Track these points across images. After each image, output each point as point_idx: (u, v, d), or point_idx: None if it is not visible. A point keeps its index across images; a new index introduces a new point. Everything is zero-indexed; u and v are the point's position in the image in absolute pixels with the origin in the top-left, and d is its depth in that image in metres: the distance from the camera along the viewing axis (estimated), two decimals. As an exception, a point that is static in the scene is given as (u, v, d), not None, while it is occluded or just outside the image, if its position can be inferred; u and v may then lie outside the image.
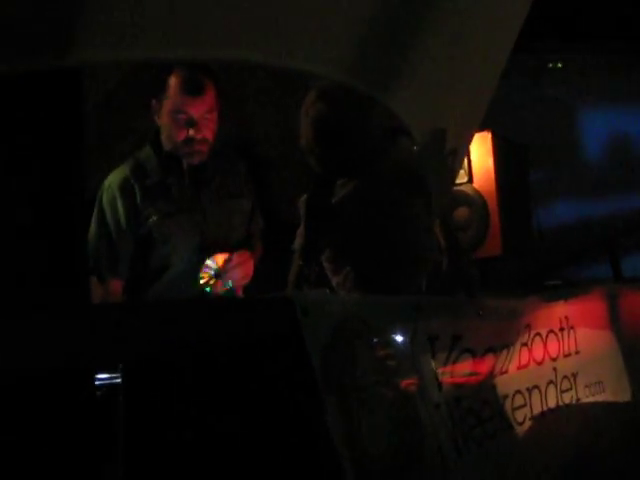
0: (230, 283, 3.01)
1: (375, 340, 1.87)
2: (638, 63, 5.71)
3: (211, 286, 2.99)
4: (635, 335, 2.91)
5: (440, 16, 2.42)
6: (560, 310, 2.57)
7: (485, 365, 2.18)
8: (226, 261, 2.99)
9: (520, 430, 2.24)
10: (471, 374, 2.13)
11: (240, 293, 3.09)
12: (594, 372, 2.65)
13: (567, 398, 2.48)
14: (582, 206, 5.73)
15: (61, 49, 1.74)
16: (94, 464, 1.79)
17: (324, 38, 2.19)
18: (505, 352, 2.26)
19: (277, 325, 1.71)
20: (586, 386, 2.58)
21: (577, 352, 2.59)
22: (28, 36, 1.70)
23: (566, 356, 2.54)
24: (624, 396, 2.76)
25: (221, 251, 3.03)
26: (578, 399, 2.53)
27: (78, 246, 2.02)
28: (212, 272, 2.99)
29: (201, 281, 2.99)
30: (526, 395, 2.31)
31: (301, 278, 2.46)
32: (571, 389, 2.51)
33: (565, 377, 2.50)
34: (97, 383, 1.88)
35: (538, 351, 2.42)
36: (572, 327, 2.59)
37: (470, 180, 3.91)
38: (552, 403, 2.41)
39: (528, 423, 2.27)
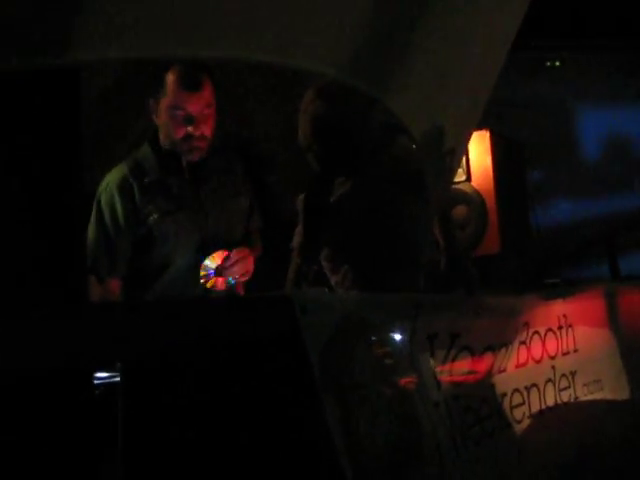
0: (231, 280, 3.00)
1: (374, 338, 1.87)
2: (636, 61, 5.71)
3: (212, 284, 2.99)
4: (633, 333, 2.92)
5: (439, 15, 2.42)
6: (558, 308, 2.57)
7: (484, 363, 2.18)
8: (225, 258, 2.99)
9: (518, 428, 2.24)
10: (470, 372, 2.13)
11: (241, 290, 3.09)
12: (592, 370, 2.66)
13: (565, 396, 2.49)
14: (580, 205, 5.73)
15: (60, 47, 1.74)
16: (93, 463, 1.79)
17: (323, 37, 2.19)
18: (504, 350, 2.26)
19: (276, 323, 1.71)
20: (584, 384, 2.59)
21: (575, 350, 2.60)
22: (27, 35, 1.70)
23: (564, 354, 2.54)
24: (622, 394, 2.76)
25: (220, 249, 3.03)
26: (576, 397, 2.53)
27: (76, 246, 2.02)
28: (212, 270, 2.99)
29: (201, 280, 2.99)
30: (524, 393, 2.31)
31: (300, 277, 2.46)
32: (569, 387, 2.51)
33: (563, 375, 2.50)
34: (96, 382, 1.88)
35: (537, 349, 2.42)
36: (570, 325, 2.59)
37: (468, 179, 3.92)
38: (550, 401, 2.41)
39: (526, 421, 2.27)
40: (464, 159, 3.78)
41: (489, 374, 2.20)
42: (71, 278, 1.93)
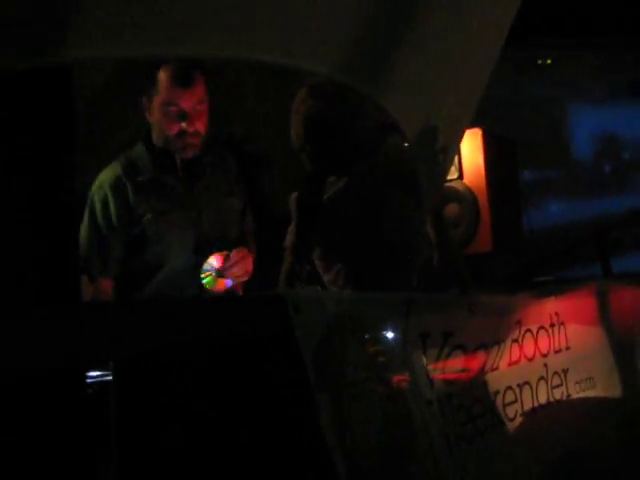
0: (231, 281, 3.00)
1: (367, 337, 1.88)
2: (628, 59, 5.73)
3: (213, 285, 2.98)
4: (625, 331, 2.93)
5: (431, 14, 2.42)
6: (550, 306, 2.58)
7: (476, 361, 2.18)
8: (224, 259, 2.98)
9: (511, 426, 2.25)
10: (462, 370, 2.14)
11: (240, 290, 3.08)
12: (584, 368, 2.66)
13: (558, 394, 2.49)
14: (572, 202, 5.75)
15: (57, 46, 1.74)
16: (86, 461, 1.78)
17: (317, 36, 2.19)
18: (496, 349, 2.26)
19: (269, 322, 1.71)
20: (577, 382, 2.59)
21: (567, 348, 2.60)
22: (25, 33, 1.70)
23: (557, 352, 2.55)
24: (614, 392, 2.77)
25: (217, 250, 3.02)
26: (569, 395, 2.54)
27: (72, 245, 2.02)
28: (213, 273, 2.97)
29: (203, 281, 2.98)
30: (517, 391, 2.32)
31: (293, 276, 2.46)
32: (562, 385, 2.52)
33: (556, 373, 2.51)
34: (88, 381, 1.88)
35: (529, 347, 2.42)
36: (562, 323, 2.60)
37: (460, 176, 3.93)
38: (543, 399, 2.42)
39: (519, 419, 2.28)
40: (456, 157, 3.79)
41: (482, 372, 2.21)
42: (67, 278, 1.93)
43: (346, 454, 1.67)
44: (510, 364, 2.33)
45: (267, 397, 1.68)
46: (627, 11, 5.13)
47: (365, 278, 2.49)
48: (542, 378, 2.45)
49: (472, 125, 3.45)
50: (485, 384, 2.21)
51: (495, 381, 2.24)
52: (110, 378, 1.72)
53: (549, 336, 2.53)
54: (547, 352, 2.50)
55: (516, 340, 2.37)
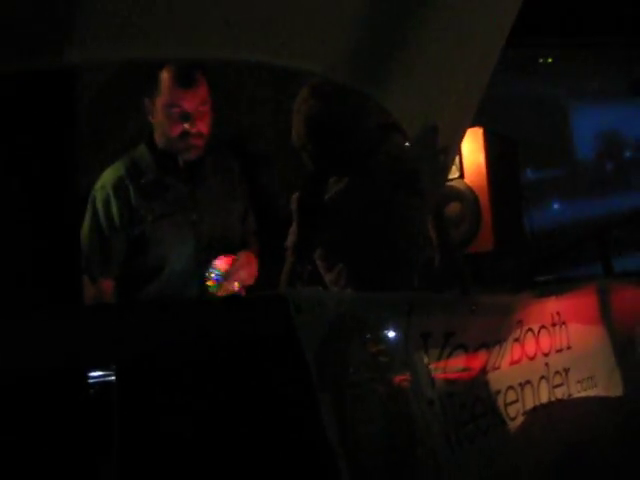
0: (237, 284, 2.99)
1: (368, 337, 1.88)
2: (629, 58, 5.72)
3: (217, 289, 2.97)
4: (626, 330, 2.93)
5: (433, 13, 2.42)
6: (552, 306, 2.57)
7: (478, 361, 2.18)
8: (232, 263, 2.98)
9: (512, 426, 2.25)
10: (464, 370, 2.14)
11: (242, 291, 3.08)
12: (586, 367, 2.66)
13: (559, 393, 2.49)
14: (573, 202, 5.75)
15: (59, 48, 1.74)
16: (88, 462, 1.79)
17: (317, 36, 2.19)
18: (498, 348, 2.26)
19: (271, 323, 1.71)
20: (578, 381, 2.59)
21: (569, 347, 2.60)
22: (26, 35, 1.70)
23: (558, 351, 2.55)
24: (616, 391, 2.77)
25: (222, 253, 3.02)
26: (570, 394, 2.54)
27: (74, 246, 2.02)
28: (219, 276, 2.97)
29: (208, 283, 2.98)
30: (518, 391, 2.32)
31: (294, 276, 2.46)
32: (563, 384, 2.52)
33: (557, 372, 2.51)
34: (90, 381, 1.88)
35: (530, 347, 2.42)
36: (564, 322, 2.60)
37: (462, 175, 3.92)
38: (544, 398, 2.42)
39: (520, 418, 2.28)
40: (457, 156, 3.79)
41: (483, 372, 2.21)
42: (69, 278, 1.93)
43: (348, 454, 1.67)
44: (511, 363, 2.33)
45: (269, 397, 1.68)
46: (629, 10, 5.13)
47: (367, 278, 2.50)
48: (543, 377, 2.45)
49: (473, 124, 3.45)
50: (487, 384, 2.21)
51: (496, 380, 2.24)
52: (112, 378, 1.72)
53: (550, 335, 2.53)
54: (548, 351, 2.50)
55: (517, 339, 2.37)
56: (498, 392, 2.23)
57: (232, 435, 1.69)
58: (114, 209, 3.01)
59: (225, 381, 1.71)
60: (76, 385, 1.80)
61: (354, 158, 2.56)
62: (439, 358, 2.04)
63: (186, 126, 2.97)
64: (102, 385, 1.88)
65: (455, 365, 2.10)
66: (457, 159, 3.82)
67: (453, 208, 3.85)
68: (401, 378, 1.91)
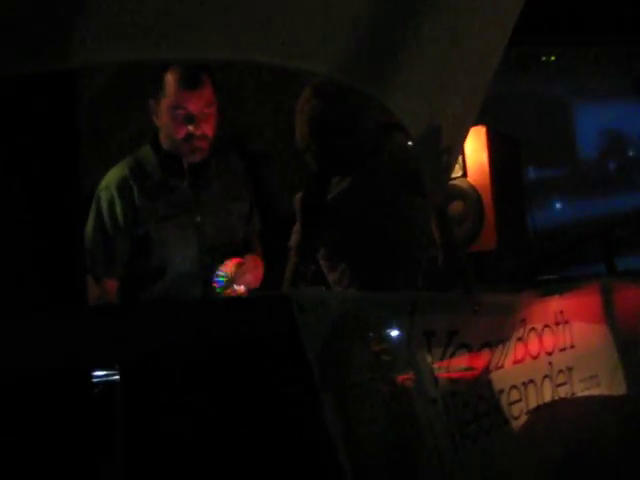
0: (242, 288, 2.99)
1: (371, 336, 1.88)
2: (632, 56, 5.71)
3: (224, 292, 2.97)
4: (629, 329, 2.92)
5: (435, 12, 2.41)
6: (555, 305, 2.57)
7: (481, 360, 2.18)
8: (237, 266, 2.97)
9: (516, 425, 2.25)
10: (467, 369, 2.14)
11: (245, 291, 3.08)
12: (589, 366, 2.66)
13: (562, 392, 2.49)
14: (576, 200, 5.74)
15: (60, 51, 1.74)
16: (91, 461, 1.79)
17: (319, 36, 2.18)
18: (501, 347, 2.27)
19: (274, 323, 1.71)
20: (581, 380, 2.60)
21: (572, 346, 2.60)
22: (28, 39, 1.70)
23: (561, 350, 2.55)
24: (619, 390, 2.77)
25: (226, 255, 3.01)
26: (573, 393, 2.54)
27: (76, 246, 2.02)
28: (223, 281, 2.97)
29: (215, 287, 2.97)
30: (522, 390, 2.32)
31: (297, 275, 2.47)
32: (566, 383, 2.52)
33: (560, 371, 2.51)
34: (94, 380, 1.88)
35: (534, 346, 2.43)
36: (567, 321, 2.60)
37: (464, 174, 3.92)
38: (548, 397, 2.42)
39: (524, 417, 2.28)
40: (460, 155, 3.78)
41: (487, 371, 2.21)
42: (73, 278, 1.93)
43: (351, 453, 1.68)
44: (515, 362, 2.33)
45: (272, 397, 1.69)
46: (631, 7, 5.12)
47: (369, 278, 2.50)
48: (547, 376, 2.45)
49: (476, 123, 3.45)
50: (490, 383, 2.21)
51: (500, 380, 2.24)
52: (116, 377, 1.73)
53: (554, 334, 2.53)
54: (552, 350, 2.50)
55: (521, 338, 2.37)
56: (501, 391, 2.24)
57: (235, 435, 1.69)
58: (118, 209, 3.00)
59: (228, 381, 1.71)
60: (79, 385, 1.80)
61: (357, 158, 2.56)
62: (442, 357, 2.04)
63: (191, 128, 2.95)
64: (105, 385, 1.87)
65: (458, 364, 2.10)
66: (460, 158, 3.82)
67: (456, 207, 3.85)
68: (404, 377, 1.92)
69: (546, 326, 2.50)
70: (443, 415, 1.98)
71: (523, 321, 2.39)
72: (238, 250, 3.07)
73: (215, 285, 2.96)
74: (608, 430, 2.60)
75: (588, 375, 2.65)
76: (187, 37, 1.90)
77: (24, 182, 1.84)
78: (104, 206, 3.02)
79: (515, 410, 2.26)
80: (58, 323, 1.59)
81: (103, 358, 1.67)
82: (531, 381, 2.37)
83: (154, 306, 2.09)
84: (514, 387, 2.29)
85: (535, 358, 2.42)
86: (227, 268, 2.96)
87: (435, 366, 2.01)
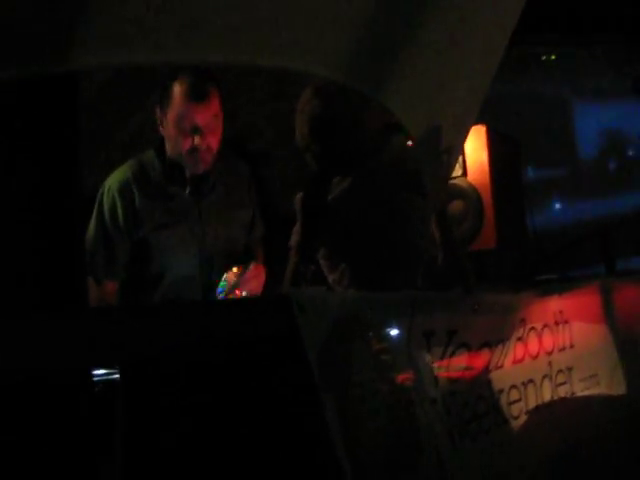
0: (244, 293, 2.99)
1: (371, 336, 1.88)
2: (631, 56, 5.72)
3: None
4: (629, 328, 2.93)
5: (436, 13, 2.41)
6: (555, 304, 2.58)
7: (481, 360, 2.19)
8: (238, 275, 2.97)
9: (515, 425, 2.25)
10: (467, 369, 2.14)
11: None
12: (589, 366, 2.67)
13: (562, 392, 2.50)
14: (576, 200, 5.74)
15: (61, 54, 1.74)
16: (91, 462, 1.79)
17: (319, 38, 2.19)
18: (500, 347, 2.27)
19: (274, 323, 1.72)
20: (581, 380, 2.60)
21: (572, 346, 2.61)
22: (28, 42, 1.70)
23: (561, 350, 2.55)
24: (619, 389, 2.77)
25: (226, 262, 3.01)
26: (573, 393, 2.54)
27: (77, 247, 2.02)
28: (228, 289, 2.97)
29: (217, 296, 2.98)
30: (521, 389, 2.32)
31: (297, 275, 2.47)
32: (566, 383, 2.52)
33: (560, 371, 2.51)
34: (95, 380, 1.89)
35: (533, 345, 2.43)
36: (567, 321, 2.60)
37: (464, 173, 3.92)
38: (547, 397, 2.42)
39: (523, 417, 2.28)
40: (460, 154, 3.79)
41: (486, 370, 2.21)
42: (73, 280, 1.94)
43: (351, 453, 1.68)
44: (514, 362, 2.33)
45: (272, 397, 1.69)
46: (631, 7, 5.12)
47: (370, 277, 2.50)
48: (546, 376, 2.45)
49: (476, 122, 3.45)
50: (489, 382, 2.21)
51: (499, 379, 2.25)
52: (117, 377, 1.73)
53: (553, 334, 2.53)
54: (551, 350, 2.51)
55: (520, 338, 2.37)
56: (501, 391, 2.24)
57: (235, 435, 1.69)
58: (119, 212, 3.00)
59: (228, 380, 1.71)
60: (80, 385, 1.80)
61: (357, 158, 2.56)
62: (442, 357, 2.04)
63: (196, 141, 2.94)
64: (106, 385, 1.88)
65: (458, 364, 2.10)
66: (460, 157, 3.82)
67: (456, 206, 3.86)
68: (404, 377, 1.92)
69: (546, 326, 2.50)
70: (443, 415, 1.99)
71: (523, 321, 2.40)
72: (240, 258, 3.07)
73: (217, 295, 2.96)
74: (608, 430, 2.60)
75: (588, 375, 2.65)
76: (187, 39, 1.90)
77: (24, 183, 1.84)
78: (105, 208, 3.02)
79: (515, 410, 2.26)
80: (59, 323, 1.59)
81: (104, 358, 1.67)
82: (531, 381, 2.37)
83: (155, 307, 2.10)
84: (514, 387, 2.29)
85: (535, 358, 2.43)
86: (228, 277, 2.96)
87: (435, 365, 2.01)
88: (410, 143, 2.68)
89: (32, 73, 1.73)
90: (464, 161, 3.91)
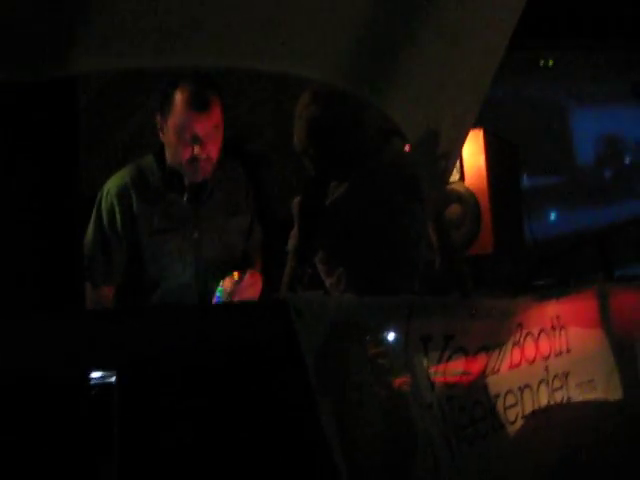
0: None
1: (368, 340, 1.89)
2: (630, 61, 5.72)
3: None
4: (626, 333, 2.93)
5: (434, 18, 2.41)
6: (551, 309, 2.58)
7: (477, 364, 2.19)
8: (234, 283, 2.96)
9: (512, 429, 2.25)
10: (464, 374, 2.15)
11: None
12: (585, 371, 2.67)
13: (559, 397, 2.50)
14: (573, 206, 5.74)
15: (61, 58, 1.74)
16: (89, 464, 1.79)
17: (318, 42, 2.19)
18: (497, 351, 2.27)
19: (271, 327, 1.72)
20: (577, 385, 2.60)
21: (568, 351, 2.61)
22: (28, 47, 1.71)
23: (557, 355, 2.55)
24: (615, 394, 2.78)
25: (223, 269, 3.00)
26: (570, 398, 2.55)
27: (76, 247, 2.02)
28: (225, 297, 2.96)
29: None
30: (518, 394, 2.32)
31: (295, 280, 2.47)
32: (563, 388, 2.53)
33: (556, 376, 2.52)
34: (92, 383, 1.89)
35: (530, 350, 2.43)
36: (563, 326, 2.60)
37: (462, 178, 3.91)
38: (544, 402, 2.43)
39: (520, 422, 2.29)
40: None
41: (483, 375, 2.21)
42: (71, 282, 1.94)
43: (348, 457, 1.68)
44: (511, 367, 2.34)
45: (269, 401, 1.69)
46: (630, 12, 5.13)
47: (367, 282, 2.50)
48: (543, 381, 2.45)
49: (474, 126, 3.45)
50: (486, 387, 2.22)
51: (496, 384, 2.25)
52: (113, 379, 1.73)
53: (550, 339, 2.54)
54: (548, 355, 2.51)
55: (517, 343, 2.38)
56: (497, 396, 2.24)
57: (232, 439, 1.69)
58: (117, 216, 2.99)
59: (226, 385, 1.71)
60: (77, 386, 1.80)
61: (355, 163, 2.57)
62: (439, 361, 2.05)
63: (196, 150, 2.92)
64: (102, 387, 1.88)
65: (455, 368, 2.11)
66: (457, 161, 3.82)
67: (453, 210, 3.85)
68: (401, 381, 1.92)
69: (542, 331, 2.51)
70: (439, 419, 1.99)
71: (520, 325, 2.40)
72: (237, 264, 3.06)
73: (214, 302, 2.96)
74: (604, 435, 2.61)
75: (584, 380, 2.65)
76: (187, 43, 1.90)
77: (24, 183, 1.84)
78: (104, 212, 3.02)
79: (511, 414, 2.26)
80: (57, 325, 1.59)
81: (101, 361, 1.68)
82: (527, 386, 2.38)
83: (153, 310, 2.10)
84: (510, 391, 2.29)
85: (531, 363, 2.43)
86: (225, 284, 2.96)
87: (432, 370, 2.02)
88: (407, 148, 2.69)
89: (31, 77, 1.73)
90: (462, 165, 3.90)
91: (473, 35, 2.57)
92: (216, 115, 2.96)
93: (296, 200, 2.59)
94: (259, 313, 1.76)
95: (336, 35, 2.24)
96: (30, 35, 1.68)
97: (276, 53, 2.10)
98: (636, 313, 3.00)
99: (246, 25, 1.97)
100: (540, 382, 2.44)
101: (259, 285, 3.04)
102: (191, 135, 2.92)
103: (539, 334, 2.49)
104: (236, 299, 2.94)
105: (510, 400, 2.28)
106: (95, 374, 1.84)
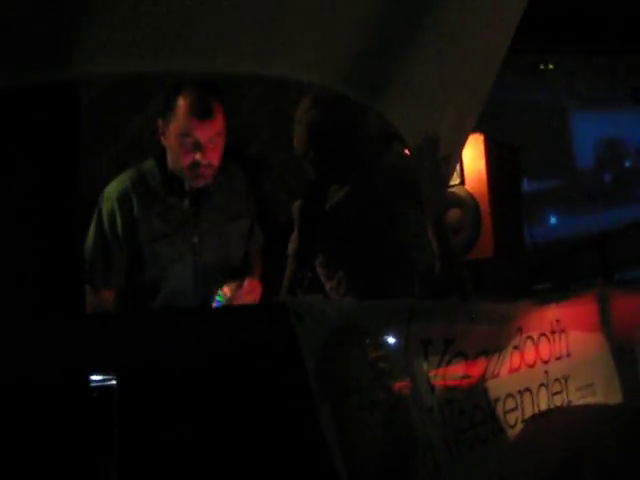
0: None
1: (369, 344, 1.89)
2: (630, 64, 5.73)
3: None
4: (625, 337, 2.93)
5: (434, 22, 2.41)
6: (551, 313, 2.58)
7: (477, 368, 2.19)
8: (234, 289, 2.96)
9: (511, 433, 2.25)
10: (463, 377, 2.15)
11: None
12: (585, 374, 2.67)
13: (558, 401, 2.50)
14: (573, 209, 5.74)
15: (61, 62, 1.74)
16: (88, 466, 1.79)
17: (318, 42, 2.18)
18: (497, 355, 2.27)
19: (271, 331, 1.72)
20: (577, 389, 2.60)
21: (568, 355, 2.61)
22: (28, 50, 1.71)
23: (557, 359, 2.56)
24: (615, 398, 2.78)
25: (223, 275, 3.00)
26: (569, 402, 2.55)
27: (76, 248, 2.02)
28: (220, 303, 2.97)
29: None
30: (518, 398, 2.32)
31: (295, 283, 2.48)
32: (562, 392, 2.53)
33: (556, 380, 2.52)
34: (92, 385, 1.89)
35: (530, 354, 2.43)
36: (563, 330, 2.60)
37: (462, 182, 3.92)
38: (544, 406, 2.43)
39: (520, 426, 2.29)
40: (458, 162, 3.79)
41: (483, 379, 2.21)
42: (72, 280, 1.94)
43: (348, 460, 1.68)
44: (511, 371, 2.34)
45: (269, 405, 1.69)
46: (629, 17, 5.13)
47: (367, 285, 2.51)
48: (543, 385, 2.45)
49: (474, 130, 3.45)
50: (486, 391, 2.22)
51: (496, 388, 2.25)
52: (113, 382, 1.73)
53: (550, 343, 2.54)
54: (548, 359, 2.51)
55: (517, 347, 2.38)
56: (497, 400, 2.24)
57: (232, 442, 1.69)
58: (117, 220, 2.99)
59: (226, 389, 1.72)
60: (77, 389, 1.80)
61: (355, 167, 2.57)
62: (439, 365, 2.05)
63: (197, 156, 2.91)
64: (102, 390, 1.88)
65: (455, 372, 2.11)
66: (458, 165, 3.82)
67: (453, 214, 3.85)
68: (401, 385, 1.92)
69: (542, 335, 2.51)
70: (439, 423, 1.99)
71: (519, 330, 2.40)
72: (237, 269, 3.06)
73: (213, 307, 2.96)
74: (604, 439, 2.61)
75: (584, 384, 2.65)
76: (187, 44, 1.90)
77: (24, 183, 1.84)
78: (104, 216, 3.02)
79: (511, 418, 2.27)
80: (58, 327, 1.59)
81: (102, 364, 1.68)
82: (527, 389, 2.38)
83: (153, 314, 2.10)
84: (510, 395, 2.29)
85: (531, 367, 2.43)
86: (224, 291, 2.96)
87: (431, 374, 2.02)
88: (407, 152, 2.69)
89: (32, 81, 1.73)
90: (462, 169, 3.90)
91: (474, 35, 2.56)
92: (219, 122, 2.95)
93: (296, 204, 2.60)
94: (259, 317, 1.77)
95: (336, 35, 2.23)
96: (30, 35, 1.68)
97: (276, 53, 2.10)
98: (636, 317, 3.00)
99: (246, 25, 1.97)
100: (540, 386, 2.44)
101: (257, 292, 3.03)
102: (193, 142, 2.91)
103: (539, 338, 2.49)
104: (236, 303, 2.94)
105: (510, 404, 2.28)
106: (95, 377, 1.85)
